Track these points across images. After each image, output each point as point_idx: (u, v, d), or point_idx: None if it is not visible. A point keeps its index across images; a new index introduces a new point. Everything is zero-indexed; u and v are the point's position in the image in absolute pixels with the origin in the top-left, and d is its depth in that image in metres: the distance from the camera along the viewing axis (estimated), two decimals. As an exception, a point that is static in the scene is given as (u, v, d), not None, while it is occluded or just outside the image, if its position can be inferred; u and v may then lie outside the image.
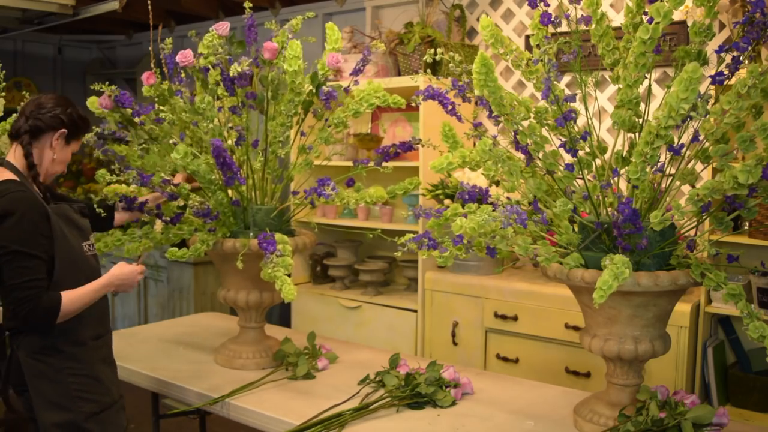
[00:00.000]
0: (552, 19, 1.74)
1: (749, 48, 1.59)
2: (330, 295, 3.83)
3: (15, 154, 1.95)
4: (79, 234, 1.98)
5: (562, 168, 1.71)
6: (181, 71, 2.28)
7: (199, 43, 2.24)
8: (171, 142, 2.26)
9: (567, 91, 1.70)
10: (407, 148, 2.29)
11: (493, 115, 1.73)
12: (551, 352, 3.08)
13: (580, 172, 1.71)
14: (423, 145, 2.24)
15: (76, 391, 1.89)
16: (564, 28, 1.79)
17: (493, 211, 1.62)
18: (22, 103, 2.04)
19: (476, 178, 3.01)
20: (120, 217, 2.29)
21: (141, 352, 2.49)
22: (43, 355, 1.88)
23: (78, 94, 6.08)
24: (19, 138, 1.94)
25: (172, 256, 2.10)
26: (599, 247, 1.68)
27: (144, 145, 2.32)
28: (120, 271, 1.95)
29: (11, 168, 1.93)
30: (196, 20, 5.16)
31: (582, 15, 1.78)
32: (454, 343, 3.36)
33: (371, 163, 2.33)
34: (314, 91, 2.26)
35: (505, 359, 3.21)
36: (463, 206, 1.82)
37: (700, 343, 2.92)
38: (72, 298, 1.85)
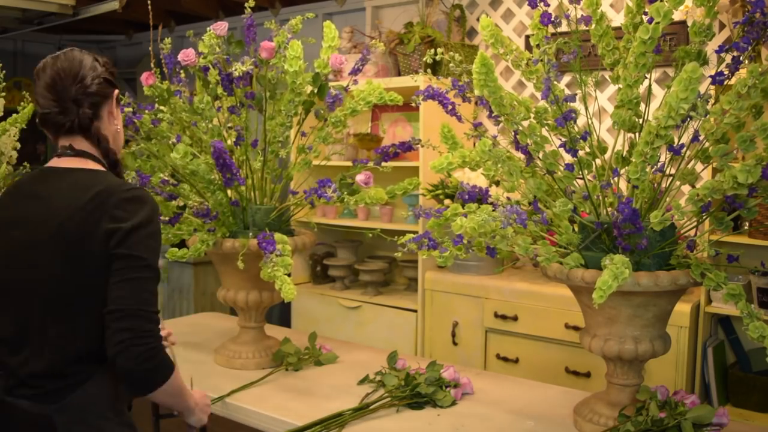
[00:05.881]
0: (552, 19, 1.74)
1: (749, 48, 1.59)
2: (330, 295, 3.83)
3: (80, 143, 1.47)
4: None
5: (562, 168, 1.71)
6: (181, 71, 2.27)
7: (197, 42, 2.24)
8: (171, 142, 2.26)
9: (567, 91, 1.70)
10: (407, 148, 2.29)
11: (493, 115, 1.72)
12: (551, 352, 3.08)
13: (580, 172, 1.71)
14: (423, 146, 2.24)
15: None
16: (564, 28, 1.79)
17: (493, 211, 1.62)
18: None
19: (476, 178, 3.01)
20: None
21: (141, 352, 2.49)
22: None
23: (78, 94, 6.07)
24: (77, 124, 1.46)
25: (172, 256, 2.10)
26: (599, 247, 1.68)
27: (142, 146, 2.32)
28: (203, 400, 1.72)
29: (94, 159, 1.48)
30: (196, 20, 5.16)
31: (582, 15, 1.78)
32: (454, 343, 3.36)
33: (371, 163, 2.33)
34: (315, 91, 2.26)
35: (505, 359, 3.21)
36: (463, 206, 1.82)
37: (700, 343, 2.92)
38: (180, 379, 1.48)
